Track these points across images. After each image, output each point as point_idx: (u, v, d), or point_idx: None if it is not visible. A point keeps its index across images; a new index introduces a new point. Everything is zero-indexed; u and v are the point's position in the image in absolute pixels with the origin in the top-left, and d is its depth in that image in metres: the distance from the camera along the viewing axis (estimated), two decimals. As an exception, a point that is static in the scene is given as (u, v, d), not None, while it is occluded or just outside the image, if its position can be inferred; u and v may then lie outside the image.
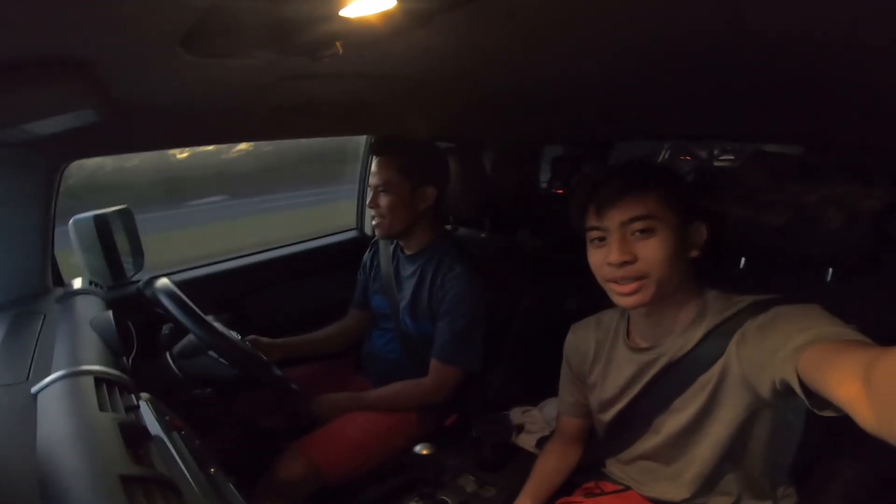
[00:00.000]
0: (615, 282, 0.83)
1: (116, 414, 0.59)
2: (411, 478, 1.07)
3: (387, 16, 0.58)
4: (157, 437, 0.60)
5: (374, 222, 1.33)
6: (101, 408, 0.60)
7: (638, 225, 0.81)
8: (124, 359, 0.86)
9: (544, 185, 1.99)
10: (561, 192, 2.01)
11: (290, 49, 0.66)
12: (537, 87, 0.95)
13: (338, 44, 0.67)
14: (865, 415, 0.48)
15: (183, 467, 0.56)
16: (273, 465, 1.10)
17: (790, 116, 0.97)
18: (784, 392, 0.68)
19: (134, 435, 0.56)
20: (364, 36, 0.64)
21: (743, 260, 1.11)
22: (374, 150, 1.60)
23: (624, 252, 0.81)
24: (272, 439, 1.19)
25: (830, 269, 0.99)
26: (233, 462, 0.93)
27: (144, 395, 0.70)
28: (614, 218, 0.82)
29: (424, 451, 0.97)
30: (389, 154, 1.30)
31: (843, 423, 0.67)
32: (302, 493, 1.07)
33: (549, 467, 1.05)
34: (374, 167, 1.32)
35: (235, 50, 0.66)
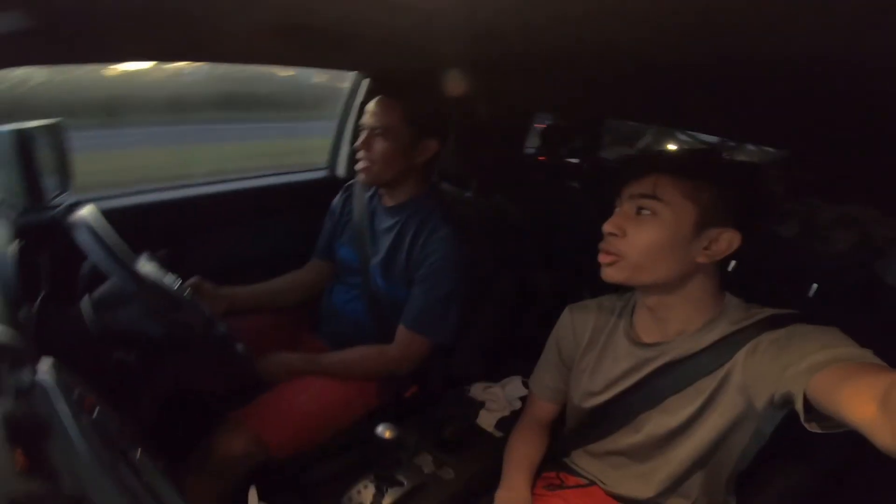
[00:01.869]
0: (602, 249, 0.84)
1: (3, 401, 0.45)
2: (367, 453, 0.97)
3: None
4: (61, 427, 0.47)
5: (359, 166, 1.18)
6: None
7: (641, 202, 0.80)
8: (25, 310, 0.70)
9: (531, 151, 1.89)
10: (543, 159, 1.93)
11: None
12: (545, 49, 0.84)
13: None
14: (883, 436, 0.50)
15: (96, 470, 0.43)
16: (210, 436, 0.97)
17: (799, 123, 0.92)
18: (779, 405, 0.70)
19: (27, 431, 0.43)
20: None
21: (733, 262, 1.08)
22: (375, 87, 1.46)
23: (613, 224, 0.81)
24: (209, 406, 1.05)
25: (815, 285, 0.97)
26: (161, 435, 0.80)
27: (47, 362, 0.55)
28: (627, 189, 0.83)
29: (387, 434, 0.88)
30: (395, 94, 1.17)
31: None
32: (244, 468, 0.95)
33: (530, 452, 0.99)
34: (373, 106, 1.18)
35: None
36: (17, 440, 0.40)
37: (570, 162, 1.99)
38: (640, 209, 0.80)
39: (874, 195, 0.93)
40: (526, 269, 1.43)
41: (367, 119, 1.18)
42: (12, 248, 0.74)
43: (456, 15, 0.74)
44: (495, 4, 0.63)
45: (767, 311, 0.80)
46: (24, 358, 0.53)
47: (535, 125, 1.93)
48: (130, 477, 0.52)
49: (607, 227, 0.82)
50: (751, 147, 1.75)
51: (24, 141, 0.97)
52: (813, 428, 0.64)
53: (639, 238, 0.79)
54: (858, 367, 0.61)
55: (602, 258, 0.83)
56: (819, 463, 0.89)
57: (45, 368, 0.53)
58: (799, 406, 0.64)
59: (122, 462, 0.52)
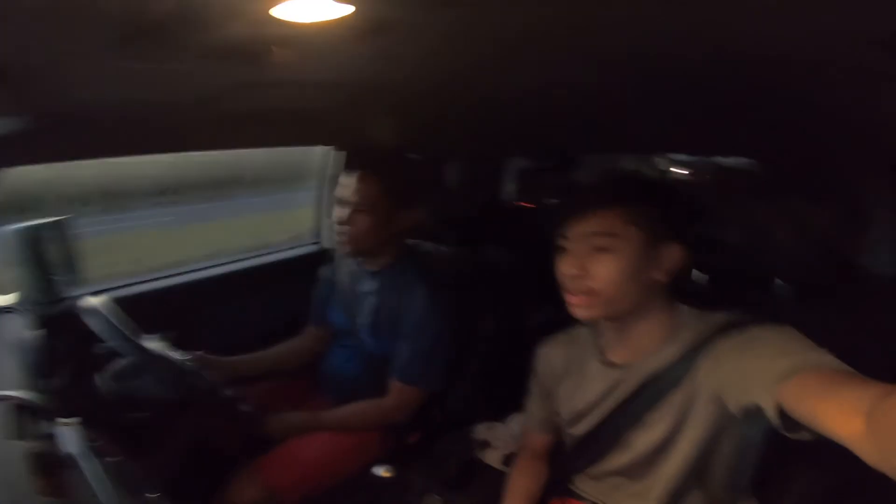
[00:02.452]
0: (569, 292, 0.84)
1: (33, 444, 0.52)
2: (370, 499, 1.01)
3: (337, 23, 0.56)
4: (79, 465, 0.54)
5: (338, 238, 1.24)
6: (11, 436, 0.53)
7: (596, 241, 0.81)
8: (50, 382, 0.78)
9: (511, 198, 1.99)
10: (528, 205, 2.01)
11: (225, 54, 0.63)
12: (500, 100, 0.94)
13: (273, 49, 0.65)
14: (869, 451, 0.49)
15: (105, 496, 0.49)
16: (225, 489, 1.03)
17: (751, 133, 1.00)
18: (754, 412, 0.69)
19: (48, 464, 0.49)
20: (314, 42, 0.61)
21: (692, 271, 1.12)
22: (351, 163, 1.53)
23: (574, 265, 0.82)
24: (223, 462, 1.10)
25: (778, 281, 1.01)
26: (180, 487, 0.85)
27: (68, 420, 0.62)
28: (575, 230, 0.83)
29: (384, 473, 0.92)
30: (372, 170, 1.20)
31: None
32: None
33: (528, 482, 1.00)
34: (350, 182, 1.20)
35: (171, 54, 0.62)
36: (40, 469, 0.47)
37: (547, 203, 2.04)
38: (595, 247, 0.81)
39: (806, 189, 0.98)
40: (514, 311, 1.49)
41: (344, 193, 1.21)
42: (35, 336, 0.83)
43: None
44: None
45: (721, 315, 0.82)
46: (50, 414, 0.61)
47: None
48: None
49: (568, 270, 0.82)
50: (674, 159, 1.80)
51: (34, 238, 1.07)
52: (801, 437, 0.63)
53: (605, 274, 0.80)
54: (828, 375, 0.60)
55: (573, 300, 0.83)
56: (840, 464, 0.88)
57: (67, 422, 0.60)
58: (772, 418, 0.64)
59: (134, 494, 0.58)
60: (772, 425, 0.68)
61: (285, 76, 0.80)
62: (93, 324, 0.90)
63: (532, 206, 1.90)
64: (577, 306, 0.83)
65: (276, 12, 0.53)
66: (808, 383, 0.61)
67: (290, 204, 2.12)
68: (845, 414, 0.53)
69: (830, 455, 0.84)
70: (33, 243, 1.09)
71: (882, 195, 0.92)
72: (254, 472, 1.06)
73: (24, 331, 0.88)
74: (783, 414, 0.62)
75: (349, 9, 0.52)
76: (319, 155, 1.76)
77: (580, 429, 0.95)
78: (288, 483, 1.06)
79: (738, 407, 0.71)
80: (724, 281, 1.06)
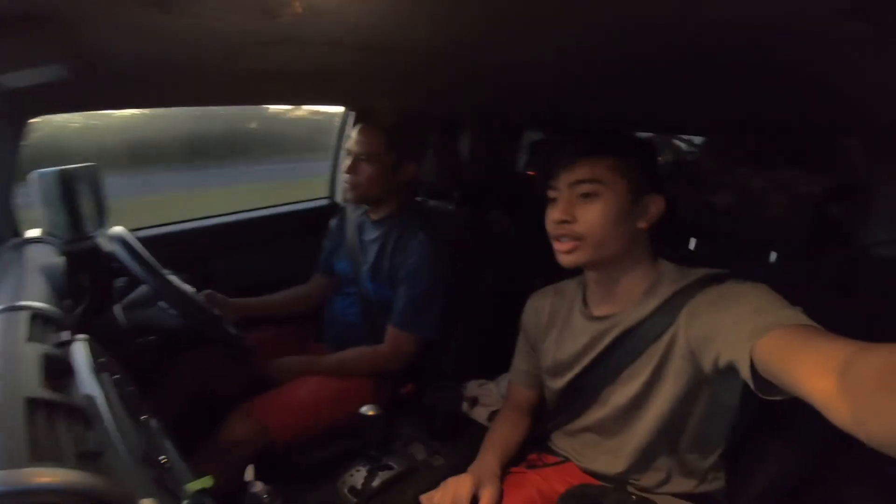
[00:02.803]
0: (557, 239, 0.88)
1: (45, 346, 0.59)
2: (361, 442, 1.07)
3: None
4: (85, 376, 0.60)
5: (346, 187, 1.33)
6: (30, 339, 0.60)
7: (583, 188, 0.85)
8: (70, 305, 0.86)
9: (518, 166, 2.00)
10: (533, 174, 2.02)
11: (247, 7, 0.66)
12: (509, 66, 0.95)
13: (295, 2, 0.67)
14: (840, 411, 0.47)
15: (103, 403, 0.56)
16: (220, 425, 1.10)
17: (739, 103, 0.99)
18: (725, 371, 0.70)
19: (57, 367, 0.56)
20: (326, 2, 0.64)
21: (693, 241, 1.13)
22: (360, 118, 1.61)
23: (564, 211, 0.86)
24: (220, 400, 1.18)
25: (774, 254, 1.02)
26: (175, 419, 0.93)
27: (82, 335, 0.69)
28: (564, 179, 0.87)
29: (370, 412, 0.98)
30: (378, 124, 1.29)
31: (775, 408, 0.68)
32: (246, 452, 1.06)
33: (507, 433, 1.06)
34: (357, 134, 1.31)
35: (196, 10, 0.65)
36: (49, 370, 0.54)
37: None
38: (582, 194, 0.85)
39: (800, 158, 0.98)
40: (513, 274, 1.51)
41: (351, 145, 1.31)
42: (59, 262, 0.91)
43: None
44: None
45: (701, 271, 0.85)
46: (67, 327, 0.68)
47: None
48: (138, 429, 0.64)
49: (557, 216, 0.86)
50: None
51: (66, 181, 1.15)
52: (774, 397, 0.62)
53: (591, 218, 0.84)
54: (801, 332, 0.60)
55: (560, 247, 0.87)
56: (812, 444, 0.88)
57: (81, 337, 0.67)
58: (745, 375, 0.64)
59: (132, 417, 0.65)
60: (745, 389, 0.69)
61: (300, 35, 0.83)
62: (114, 250, 0.97)
63: (537, 175, 1.92)
64: (565, 252, 0.87)
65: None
66: (780, 341, 0.61)
67: (313, 172, 2.17)
68: (816, 372, 0.52)
69: (803, 431, 0.87)
70: (65, 184, 1.18)
71: (874, 164, 0.91)
72: (248, 409, 1.12)
73: (50, 258, 0.96)
74: (756, 374, 0.62)
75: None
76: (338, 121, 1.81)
77: (560, 382, 0.99)
78: (280, 423, 1.12)
79: (711, 364, 0.73)
80: (719, 248, 1.06)
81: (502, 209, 1.65)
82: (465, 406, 1.32)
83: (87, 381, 0.60)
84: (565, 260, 0.88)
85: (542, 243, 0.91)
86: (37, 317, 0.67)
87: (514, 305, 1.10)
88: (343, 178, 1.35)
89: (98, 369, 0.65)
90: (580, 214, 0.85)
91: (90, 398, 0.54)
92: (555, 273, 0.92)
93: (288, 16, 0.70)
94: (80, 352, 0.65)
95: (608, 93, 1.05)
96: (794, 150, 0.97)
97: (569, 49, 0.77)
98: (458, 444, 1.19)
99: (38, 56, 0.70)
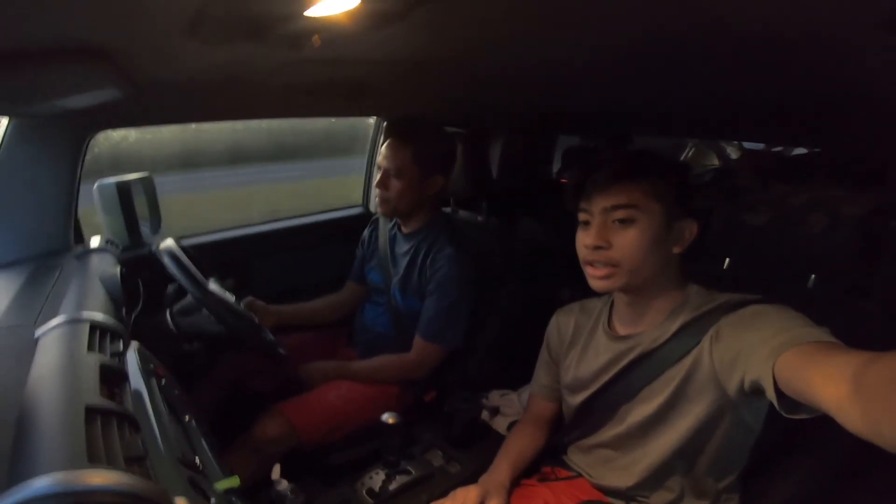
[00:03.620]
0: (590, 264, 0.87)
1: (102, 356, 0.68)
2: (381, 446, 1.13)
3: (356, 13, 0.63)
4: (136, 382, 0.69)
5: (377, 201, 1.39)
6: (90, 349, 0.69)
7: (619, 213, 0.84)
8: (125, 312, 0.96)
9: (552, 174, 2.00)
10: (565, 181, 2.01)
11: (271, 42, 0.73)
12: (534, 74, 0.98)
13: (316, 37, 0.74)
14: (853, 415, 0.49)
15: (150, 409, 0.64)
16: (253, 425, 1.18)
17: (783, 118, 0.97)
18: (751, 392, 0.70)
19: (112, 376, 0.65)
20: (351, 25, 0.69)
21: (727, 260, 1.12)
22: (388, 133, 1.67)
23: (599, 237, 0.84)
24: (256, 401, 1.27)
25: (813, 276, 0.99)
26: (214, 418, 1.02)
27: (134, 343, 0.78)
28: (598, 203, 0.86)
29: (390, 420, 1.04)
30: (404, 139, 1.33)
31: (795, 429, 0.71)
32: (276, 450, 1.15)
33: (522, 445, 1.07)
34: (386, 150, 1.35)
35: (228, 39, 0.73)
36: (106, 379, 0.62)
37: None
38: (619, 219, 0.84)
39: (839, 176, 0.95)
40: (540, 284, 1.53)
41: (381, 161, 1.37)
42: (117, 272, 1.02)
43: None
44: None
45: (726, 296, 0.84)
46: (123, 337, 0.77)
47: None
48: (179, 431, 0.72)
49: (591, 241, 0.84)
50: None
51: (123, 191, 1.27)
52: (799, 416, 0.62)
53: (627, 244, 0.83)
54: (821, 347, 0.61)
55: (594, 272, 0.86)
56: (829, 465, 0.87)
57: (133, 346, 0.76)
58: (770, 394, 0.64)
59: (176, 418, 0.73)
60: (768, 413, 0.72)
61: (327, 55, 0.89)
62: (165, 262, 1.07)
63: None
64: (599, 278, 0.86)
65: (309, 13, 0.63)
66: (800, 356, 0.61)
67: (349, 171, 2.28)
68: (830, 380, 0.53)
69: (823, 453, 0.86)
70: (124, 195, 1.30)
71: None
72: (280, 409, 1.20)
73: (109, 267, 1.07)
74: (781, 393, 0.63)
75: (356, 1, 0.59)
76: (370, 127, 1.89)
77: (578, 398, 1.00)
78: (309, 424, 1.20)
79: (737, 386, 0.72)
80: (754, 268, 1.04)
81: (534, 217, 1.67)
82: (485, 415, 1.35)
83: (138, 388, 0.69)
84: (599, 286, 0.87)
85: (570, 254, 0.91)
86: (95, 328, 0.76)
87: (539, 316, 1.12)
88: (374, 192, 1.41)
89: (147, 375, 0.74)
90: (615, 240, 0.84)
91: (140, 405, 0.62)
92: (581, 284, 0.92)
93: (309, 48, 0.77)
94: (133, 360, 0.74)
95: (652, 99, 1.05)
96: (838, 167, 0.94)
97: (613, 54, 0.77)
98: (476, 452, 1.22)
99: (95, 81, 0.79)
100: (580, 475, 1.02)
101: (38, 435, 0.49)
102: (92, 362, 0.65)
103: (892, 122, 0.83)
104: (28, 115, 1.08)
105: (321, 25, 0.68)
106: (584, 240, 0.87)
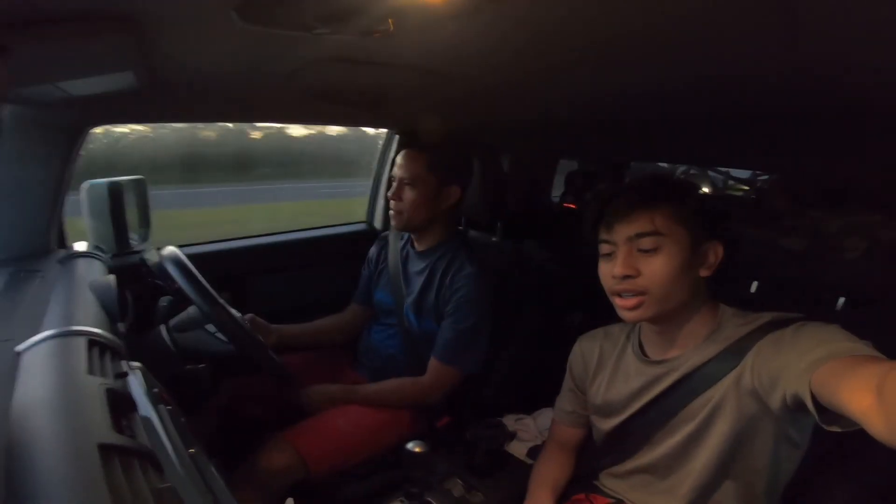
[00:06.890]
0: (618, 295, 0.84)
1: (105, 379, 0.57)
2: (398, 476, 1.03)
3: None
4: (144, 409, 0.58)
5: (392, 213, 1.31)
6: (90, 371, 0.58)
7: (645, 241, 0.81)
8: (119, 325, 0.85)
9: (556, 199, 1.98)
10: (573, 206, 2.00)
11: (344, 24, 0.65)
12: (554, 101, 0.95)
13: (390, 21, 0.66)
14: (877, 422, 0.50)
15: (167, 443, 0.54)
16: (256, 452, 1.06)
17: (814, 145, 0.96)
18: (794, 407, 0.69)
19: (120, 403, 0.54)
20: (412, 19, 0.63)
21: (755, 284, 1.09)
22: (404, 142, 1.60)
23: (627, 266, 0.82)
24: (258, 427, 1.15)
25: (842, 299, 0.98)
26: (214, 445, 0.90)
27: (136, 363, 0.67)
28: (621, 232, 0.83)
29: (417, 449, 0.94)
30: (420, 147, 1.29)
31: (842, 446, 0.70)
32: (284, 483, 1.03)
33: (556, 472, 1.03)
34: (401, 159, 1.30)
35: (292, 20, 0.65)
36: (113, 407, 0.51)
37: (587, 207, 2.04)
38: (644, 247, 0.81)
39: (875, 201, 0.95)
40: (552, 308, 1.49)
41: (397, 171, 1.30)
42: (111, 281, 0.90)
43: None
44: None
45: (767, 315, 0.82)
46: (123, 355, 0.66)
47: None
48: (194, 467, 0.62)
49: (620, 271, 0.81)
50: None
51: (115, 193, 1.16)
52: (835, 429, 0.62)
53: (657, 272, 0.81)
54: (857, 359, 0.61)
55: (623, 303, 0.83)
56: (875, 485, 0.85)
57: (135, 366, 0.65)
58: (809, 406, 0.63)
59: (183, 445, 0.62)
60: (810, 426, 0.71)
61: (357, 56, 0.82)
62: (161, 274, 0.96)
63: (576, 208, 1.92)
64: (629, 309, 0.83)
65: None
66: (836, 368, 0.62)
67: (354, 193, 2.20)
68: (859, 390, 0.54)
69: (868, 470, 0.84)
70: (115, 198, 1.18)
71: None
72: (286, 439, 1.09)
73: (98, 275, 0.95)
74: (821, 407, 0.63)
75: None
76: (379, 145, 1.81)
77: (610, 423, 0.96)
78: (319, 453, 1.09)
79: (779, 401, 0.71)
80: (780, 289, 1.02)
81: (540, 241, 1.63)
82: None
83: (147, 417, 0.58)
84: (630, 316, 0.84)
85: (581, 278, 0.88)
86: (93, 343, 0.65)
87: (553, 340, 1.09)
88: (389, 204, 1.33)
89: (155, 401, 0.63)
90: (643, 268, 0.81)
91: (155, 438, 0.52)
92: (593, 310, 0.89)
93: (380, 33, 0.70)
94: (138, 384, 0.63)
95: (683, 129, 1.03)
96: (873, 192, 0.93)
97: (649, 87, 0.75)
98: (497, 480, 1.14)
99: (112, 60, 0.69)
100: (621, 501, 0.96)
101: (42, 481, 0.39)
102: (95, 387, 0.54)
103: None
104: (22, 101, 0.94)
105: (401, 6, 0.61)
106: (609, 270, 0.84)
